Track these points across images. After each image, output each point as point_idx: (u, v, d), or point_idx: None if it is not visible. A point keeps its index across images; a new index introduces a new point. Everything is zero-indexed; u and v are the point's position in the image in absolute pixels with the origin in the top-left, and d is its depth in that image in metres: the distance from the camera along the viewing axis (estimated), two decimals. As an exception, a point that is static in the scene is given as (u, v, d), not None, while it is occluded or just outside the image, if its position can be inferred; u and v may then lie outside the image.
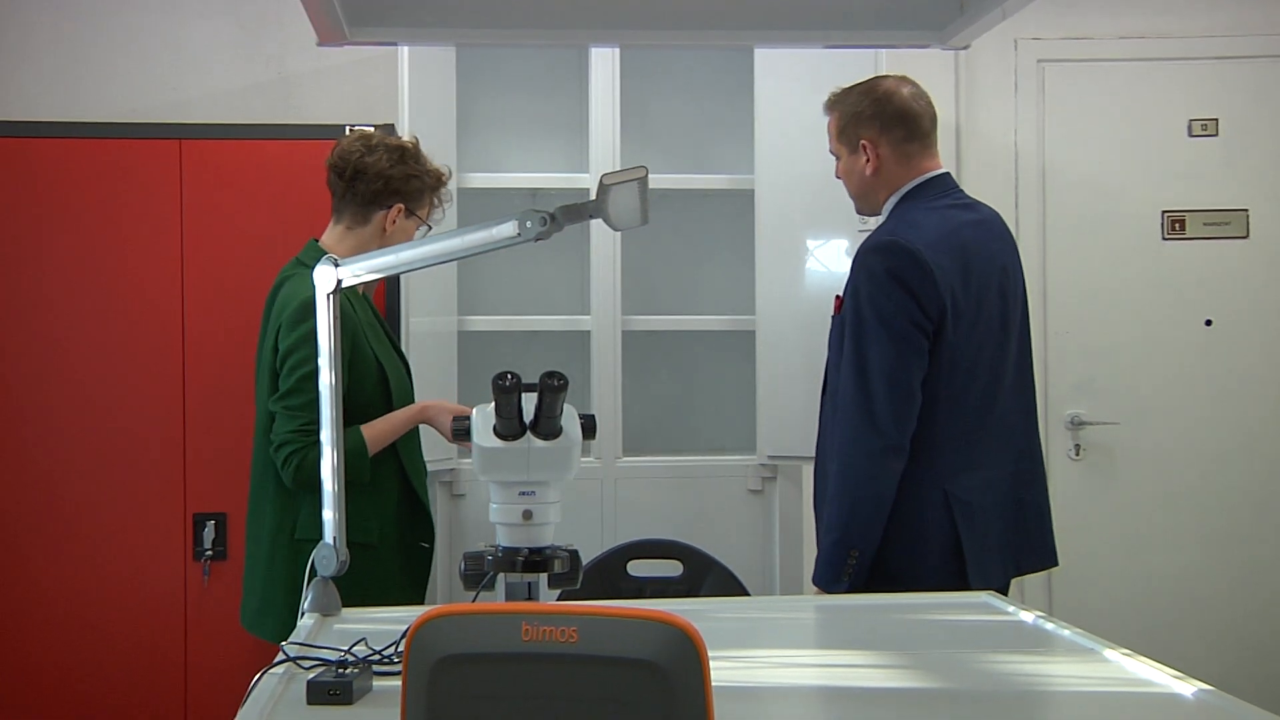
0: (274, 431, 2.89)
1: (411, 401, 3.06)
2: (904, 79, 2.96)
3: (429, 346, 3.76)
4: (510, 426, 1.94)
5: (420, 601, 3.05)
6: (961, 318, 2.77)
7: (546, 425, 1.94)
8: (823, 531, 2.82)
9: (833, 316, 2.94)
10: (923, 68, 4.40)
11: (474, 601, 1.90)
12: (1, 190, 3.68)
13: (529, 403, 1.97)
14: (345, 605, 2.80)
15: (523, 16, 2.71)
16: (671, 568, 3.11)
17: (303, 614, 2.31)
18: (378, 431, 2.92)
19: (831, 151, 2.99)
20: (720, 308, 4.17)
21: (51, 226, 3.70)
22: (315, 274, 2.31)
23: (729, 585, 3.06)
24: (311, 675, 1.79)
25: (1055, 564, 2.98)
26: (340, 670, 1.80)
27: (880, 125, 2.90)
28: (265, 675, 1.86)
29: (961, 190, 2.94)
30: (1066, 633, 2.15)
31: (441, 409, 2.99)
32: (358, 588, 2.82)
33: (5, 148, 3.69)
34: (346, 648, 1.90)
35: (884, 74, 3.01)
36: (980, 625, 2.35)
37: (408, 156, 3.05)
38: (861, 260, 2.80)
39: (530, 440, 1.94)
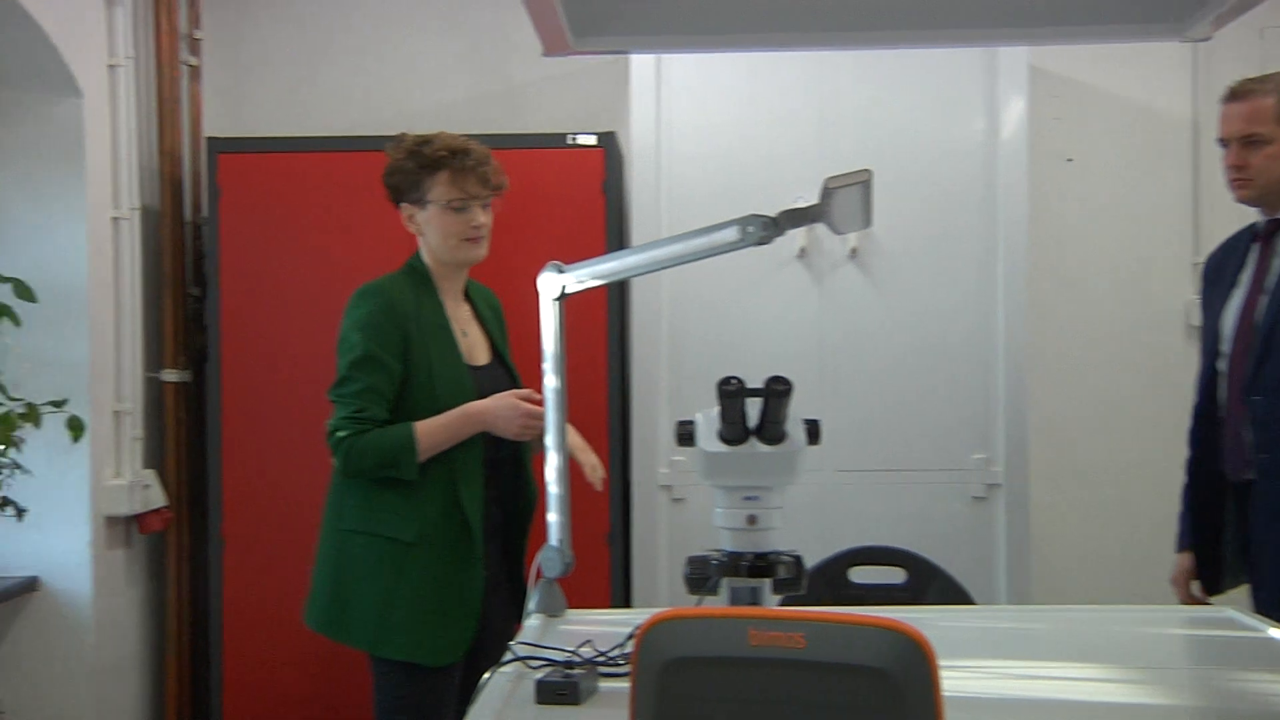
0: (329, 420, 2.85)
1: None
2: None
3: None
4: (735, 431, 1.94)
5: (471, 611, 2.85)
6: None
7: (771, 430, 1.93)
8: None
9: None
10: (1155, 61, 4.28)
11: (697, 605, 1.91)
12: (243, 203, 3.87)
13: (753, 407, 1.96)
14: (370, 597, 2.82)
15: (750, 21, 2.69)
16: (894, 575, 3.06)
17: (529, 614, 2.35)
18: (428, 430, 2.81)
19: (1260, 136, 2.89)
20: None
21: (289, 238, 3.86)
22: (539, 281, 2.36)
23: (954, 594, 3.00)
24: (539, 675, 1.82)
25: None
26: (567, 671, 1.82)
27: None
28: (495, 674, 1.90)
29: None
30: (1317, 651, 2.05)
31: (492, 412, 2.84)
32: (385, 582, 2.82)
33: (245, 163, 3.88)
34: (573, 648, 1.92)
35: None
36: (1221, 641, 2.25)
37: (388, 158, 2.97)
38: None
39: (755, 445, 1.94)
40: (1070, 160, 4.34)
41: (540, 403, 2.76)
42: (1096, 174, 4.34)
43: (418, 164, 2.92)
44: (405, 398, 2.85)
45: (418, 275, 2.95)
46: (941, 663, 1.19)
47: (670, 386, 3.86)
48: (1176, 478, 3.11)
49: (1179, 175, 4.28)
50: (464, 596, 2.86)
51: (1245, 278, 2.95)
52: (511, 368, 3.09)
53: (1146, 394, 4.29)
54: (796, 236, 3.80)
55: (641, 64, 3.85)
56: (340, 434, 2.81)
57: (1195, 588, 3.03)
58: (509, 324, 3.19)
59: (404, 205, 2.96)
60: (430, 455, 2.81)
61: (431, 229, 2.94)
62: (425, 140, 2.95)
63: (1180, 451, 3.08)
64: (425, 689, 2.82)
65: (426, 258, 2.98)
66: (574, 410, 2.81)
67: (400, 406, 2.85)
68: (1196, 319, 4.20)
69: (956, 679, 1.87)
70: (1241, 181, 2.91)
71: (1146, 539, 4.24)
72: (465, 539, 2.85)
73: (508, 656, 1.98)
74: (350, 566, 2.85)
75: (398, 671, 2.83)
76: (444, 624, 2.83)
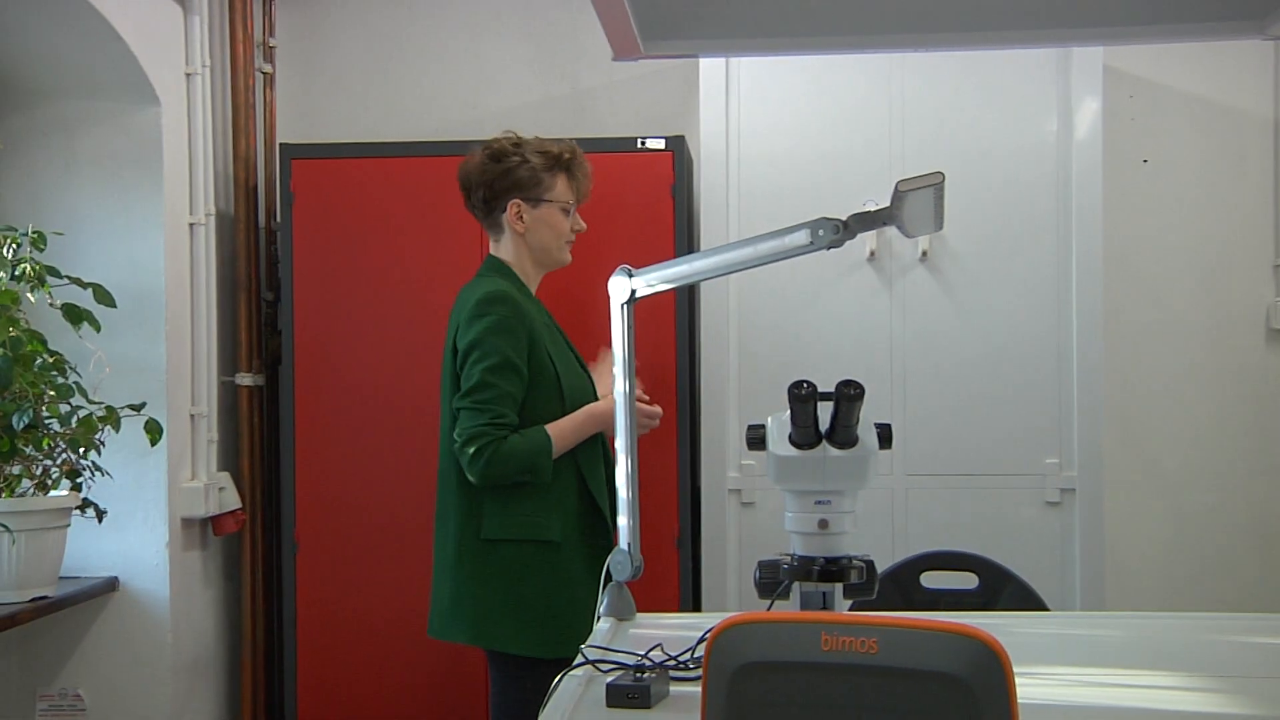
0: (459, 428, 2.84)
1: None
2: None
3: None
4: (806, 435, 1.92)
5: None
6: None
7: (843, 434, 1.92)
8: None
9: None
10: (1235, 60, 4.21)
11: (769, 610, 1.90)
12: (315, 209, 3.91)
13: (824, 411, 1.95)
14: (527, 602, 2.84)
15: (820, 23, 2.67)
16: (967, 580, 3.04)
17: (598, 618, 2.36)
18: (559, 433, 2.87)
19: None
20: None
21: (361, 242, 3.90)
22: (610, 285, 2.36)
23: (1028, 599, 2.96)
24: (610, 679, 1.82)
25: None
26: (638, 675, 1.82)
27: None
28: (566, 677, 1.90)
29: None
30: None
31: (612, 412, 2.80)
32: (541, 584, 2.85)
33: (318, 169, 3.92)
34: (643, 652, 1.92)
35: None
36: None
37: (504, 152, 3.00)
38: None
39: (826, 449, 1.93)
40: (1146, 161, 4.28)
41: (650, 402, 2.97)
42: (1173, 175, 4.28)
43: (546, 162, 3.00)
44: (532, 399, 2.89)
45: (510, 277, 2.98)
46: (1016, 669, 1.17)
47: (739, 390, 3.85)
48: (1255, 483, 3.05)
49: (1259, 175, 4.22)
50: (600, 580, 2.92)
51: None
52: (583, 362, 3.15)
53: (1225, 398, 4.22)
54: (867, 240, 3.78)
55: (710, 67, 3.84)
56: (481, 441, 2.80)
57: None
58: (580, 327, 3.21)
59: (515, 201, 2.99)
60: (558, 456, 2.89)
61: (542, 227, 3.00)
62: (532, 145, 3.02)
63: (1267, 457, 3.03)
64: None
65: (514, 258, 3.03)
66: (644, 414, 2.83)
67: (527, 407, 2.88)
68: (1278, 321, 4.15)
69: (1032, 685, 1.85)
70: None
71: (1224, 546, 4.18)
72: (602, 530, 2.94)
73: (578, 660, 1.98)
74: (499, 575, 2.87)
75: (541, 669, 2.83)
76: (593, 617, 2.86)
